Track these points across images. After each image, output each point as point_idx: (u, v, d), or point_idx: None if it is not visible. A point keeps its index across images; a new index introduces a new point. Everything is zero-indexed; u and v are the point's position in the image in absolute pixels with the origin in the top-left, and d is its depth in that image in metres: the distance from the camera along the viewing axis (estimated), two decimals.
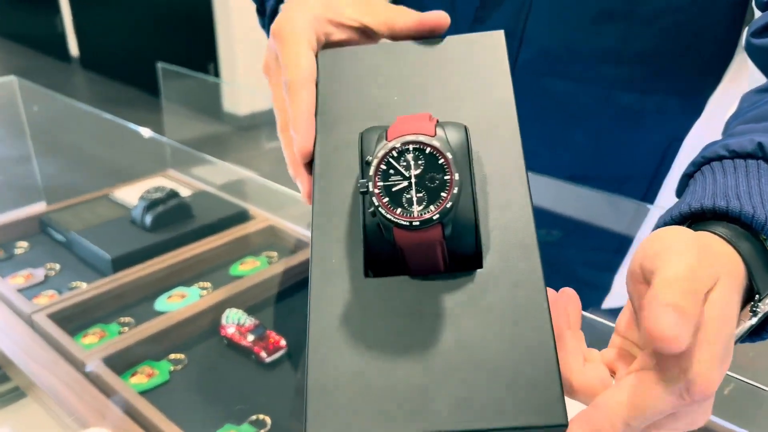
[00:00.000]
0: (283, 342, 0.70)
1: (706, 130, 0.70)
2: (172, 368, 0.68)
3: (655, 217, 0.78)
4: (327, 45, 0.47)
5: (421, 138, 0.36)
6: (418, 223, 0.35)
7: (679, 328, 0.28)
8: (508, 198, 0.40)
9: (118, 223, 0.93)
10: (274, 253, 0.89)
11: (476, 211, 0.38)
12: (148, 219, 0.90)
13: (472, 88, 0.44)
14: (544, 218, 0.80)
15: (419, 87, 0.44)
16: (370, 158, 0.37)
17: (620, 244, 0.79)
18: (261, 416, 0.61)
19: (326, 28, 0.47)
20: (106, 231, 0.91)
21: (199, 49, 3.51)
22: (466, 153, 0.38)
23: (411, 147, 0.36)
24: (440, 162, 0.36)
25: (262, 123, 2.96)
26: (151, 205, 0.91)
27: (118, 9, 3.96)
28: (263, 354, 0.68)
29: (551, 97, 0.73)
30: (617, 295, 0.77)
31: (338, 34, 0.47)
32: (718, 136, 0.55)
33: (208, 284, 0.82)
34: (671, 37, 0.65)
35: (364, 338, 0.35)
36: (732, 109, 0.53)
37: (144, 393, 0.64)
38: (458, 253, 0.38)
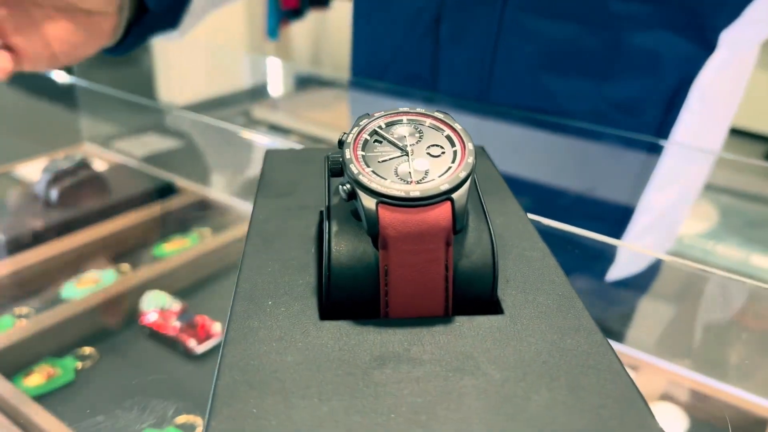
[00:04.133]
0: (216, 328, 0.58)
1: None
2: (78, 365, 0.55)
3: (658, 182, 0.72)
4: None
5: (418, 110, 0.28)
6: (418, 193, 0.24)
7: None
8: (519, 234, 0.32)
9: (17, 200, 0.79)
10: (207, 230, 0.77)
11: (494, 241, 0.27)
12: (54, 193, 0.76)
13: None
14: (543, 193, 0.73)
15: None
16: (346, 135, 0.27)
17: (623, 213, 0.72)
18: (190, 418, 0.50)
19: None
20: (2, 209, 0.77)
21: None
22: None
23: (405, 119, 0.27)
24: (445, 134, 0.27)
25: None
26: (58, 177, 0.78)
27: None
28: (192, 343, 0.56)
29: (550, 42, 0.65)
30: (622, 265, 0.69)
31: None
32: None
33: (126, 266, 0.70)
34: None
35: (317, 416, 0.22)
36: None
37: (40, 397, 0.51)
38: (468, 295, 0.27)
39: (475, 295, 0.27)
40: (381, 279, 0.26)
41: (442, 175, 0.25)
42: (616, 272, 0.69)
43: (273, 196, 0.38)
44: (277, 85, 2.00)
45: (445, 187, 0.24)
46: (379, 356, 0.24)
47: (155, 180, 0.87)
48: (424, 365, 0.24)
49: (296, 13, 3.33)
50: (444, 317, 0.26)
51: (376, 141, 0.27)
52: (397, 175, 0.25)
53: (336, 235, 0.27)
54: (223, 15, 3.25)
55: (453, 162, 0.26)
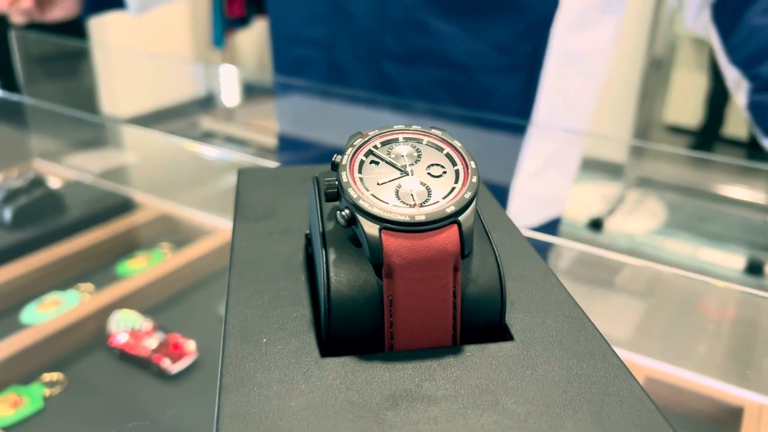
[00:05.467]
0: (191, 346, 0.57)
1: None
2: (46, 392, 0.53)
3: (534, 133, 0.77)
4: None
5: (414, 127, 0.26)
6: (423, 217, 0.23)
7: None
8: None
9: None
10: (170, 245, 0.75)
11: (499, 264, 0.26)
12: (7, 213, 0.73)
13: None
14: None
15: None
16: (340, 156, 0.25)
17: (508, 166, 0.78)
18: None
19: None
20: None
21: None
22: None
23: (401, 137, 0.26)
24: (445, 152, 0.25)
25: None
26: (11, 195, 0.74)
27: None
28: (167, 363, 0.54)
29: None
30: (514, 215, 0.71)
31: None
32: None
33: (90, 286, 0.67)
34: None
35: None
36: None
37: (9, 428, 0.49)
38: (476, 323, 0.25)
39: (483, 322, 0.25)
40: (385, 310, 0.24)
41: (447, 196, 0.24)
42: None
43: (252, 220, 0.36)
44: (226, 93, 1.97)
45: (451, 209, 0.23)
46: (390, 395, 0.23)
47: (113, 196, 0.84)
48: (440, 403, 0.22)
49: (242, 21, 3.29)
50: (453, 347, 0.25)
51: (372, 162, 0.25)
52: (399, 198, 0.24)
53: (334, 263, 0.25)
54: (167, 24, 3.18)
55: (456, 182, 0.25)
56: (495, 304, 0.25)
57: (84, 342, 0.59)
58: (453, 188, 0.24)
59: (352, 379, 0.23)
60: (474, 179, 0.24)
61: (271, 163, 0.84)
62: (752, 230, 2.34)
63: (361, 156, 0.25)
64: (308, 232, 0.33)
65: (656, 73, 2.71)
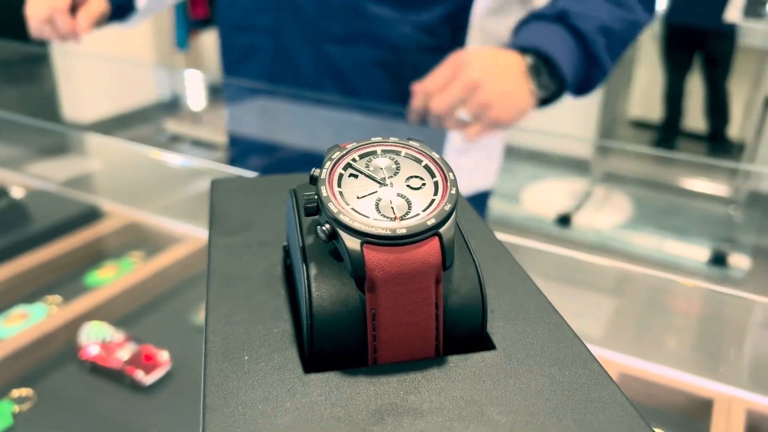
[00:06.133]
0: (164, 356, 0.56)
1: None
2: (15, 409, 0.51)
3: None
4: None
5: (392, 139, 0.26)
6: (404, 230, 0.23)
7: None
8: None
9: None
10: (139, 254, 0.73)
11: (480, 274, 0.26)
12: None
13: None
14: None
15: None
16: (318, 170, 0.25)
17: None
18: None
19: None
20: None
21: None
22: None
23: (379, 150, 0.26)
24: (423, 164, 0.25)
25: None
26: None
27: None
28: (140, 375, 0.54)
29: None
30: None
31: None
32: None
33: (57, 298, 0.66)
34: None
35: None
36: None
37: None
38: (458, 333, 0.25)
39: (465, 332, 0.26)
40: (368, 323, 0.24)
41: (426, 209, 0.24)
42: None
43: (228, 233, 0.36)
44: (192, 97, 1.95)
45: (431, 222, 0.23)
46: (376, 410, 0.23)
47: (78, 205, 0.82)
48: (426, 416, 0.22)
49: (206, 22, 3.26)
50: (436, 358, 0.25)
51: (351, 175, 0.25)
52: (379, 211, 0.24)
53: (316, 278, 0.24)
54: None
55: (435, 194, 0.25)
56: (477, 314, 0.25)
57: (53, 356, 0.58)
58: (432, 200, 0.24)
59: (337, 395, 0.23)
60: (453, 191, 0.24)
61: (237, 170, 0.83)
62: (714, 223, 2.40)
63: (339, 169, 0.25)
64: (286, 244, 0.33)
65: (619, 69, 2.76)
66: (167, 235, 0.77)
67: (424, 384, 0.24)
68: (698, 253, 2.09)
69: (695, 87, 2.85)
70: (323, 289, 0.24)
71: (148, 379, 0.54)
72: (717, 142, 2.88)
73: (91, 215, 0.80)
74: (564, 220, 2.26)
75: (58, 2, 0.80)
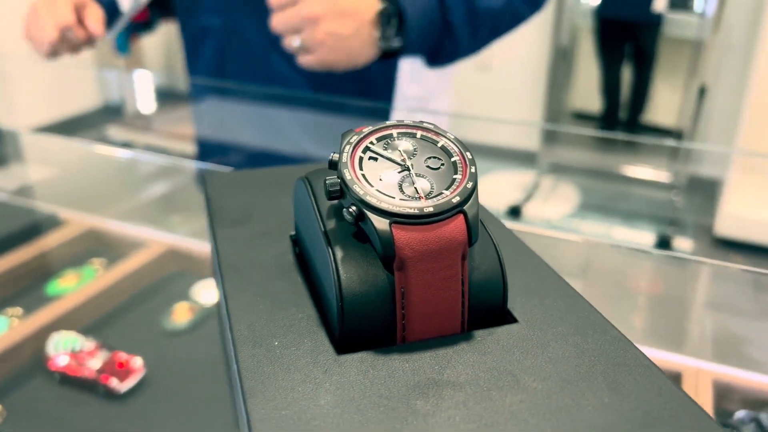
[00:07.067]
0: (137, 363, 0.55)
1: None
2: None
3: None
4: None
5: (406, 122, 0.26)
6: (432, 209, 0.23)
7: None
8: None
9: None
10: (102, 260, 0.72)
11: (498, 250, 0.27)
12: None
13: None
14: None
15: None
16: (337, 155, 0.25)
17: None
18: None
19: None
20: None
21: None
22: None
23: (395, 132, 0.26)
24: (440, 145, 0.26)
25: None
26: None
27: None
28: (114, 383, 0.52)
29: None
30: None
31: None
32: None
33: (18, 310, 0.63)
34: None
35: None
36: None
37: None
38: (481, 308, 0.26)
39: (488, 307, 0.26)
40: (398, 302, 0.24)
41: (449, 187, 0.25)
42: None
43: (230, 225, 0.36)
44: (140, 100, 1.90)
45: (456, 200, 0.24)
46: (415, 385, 0.23)
47: (32, 213, 0.80)
48: (464, 388, 0.23)
49: (146, 25, 3.18)
50: (462, 334, 0.26)
51: (371, 158, 0.25)
52: (403, 192, 0.24)
53: (342, 261, 0.25)
54: None
55: (456, 173, 0.25)
56: (498, 289, 0.26)
57: (20, 369, 0.56)
58: (454, 179, 0.25)
59: (374, 373, 0.24)
60: (473, 169, 0.25)
61: (193, 166, 0.82)
62: (658, 208, 2.49)
63: (359, 153, 0.25)
64: (292, 233, 0.33)
65: (562, 61, 2.82)
66: (128, 239, 0.75)
67: (456, 358, 0.24)
68: (644, 237, 2.16)
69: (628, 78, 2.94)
70: (351, 271, 0.25)
71: (123, 386, 0.53)
72: (645, 131, 2.98)
73: (47, 223, 0.77)
74: (514, 212, 2.31)
75: (65, 17, 0.79)
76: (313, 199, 0.28)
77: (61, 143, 0.99)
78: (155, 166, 0.99)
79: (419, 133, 0.27)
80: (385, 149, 0.26)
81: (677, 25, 2.72)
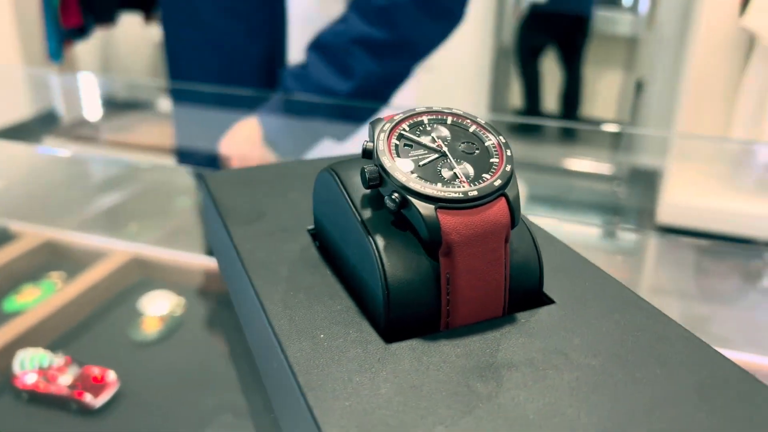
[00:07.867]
0: (111, 376, 0.53)
1: None
2: None
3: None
4: None
5: (435, 108, 0.27)
6: (476, 193, 0.23)
7: None
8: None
9: None
10: (60, 274, 0.69)
11: (532, 233, 0.27)
12: None
13: None
14: None
15: None
16: (371, 143, 0.25)
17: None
18: None
19: None
20: None
21: None
22: None
23: (426, 119, 0.26)
24: (472, 130, 0.26)
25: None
26: None
27: None
28: (89, 398, 0.50)
29: None
30: None
31: None
32: None
33: None
34: None
35: None
36: None
37: None
38: (520, 290, 0.26)
39: (527, 289, 0.27)
40: (442, 288, 0.24)
41: (489, 171, 0.25)
42: None
43: (244, 223, 0.35)
44: (85, 106, 1.85)
45: (498, 182, 0.24)
46: (471, 368, 0.23)
47: None
48: (520, 368, 0.23)
49: (80, 31, 3.08)
50: (505, 317, 0.26)
51: (406, 145, 0.25)
52: (442, 177, 0.24)
53: (385, 249, 0.25)
54: None
55: (493, 157, 0.25)
56: (535, 271, 0.27)
57: None
58: (492, 163, 0.25)
59: (428, 359, 0.23)
60: (509, 152, 0.26)
61: (149, 171, 0.80)
62: (601, 199, 2.56)
63: (393, 140, 0.25)
64: (310, 228, 0.32)
65: (504, 60, 2.87)
66: (87, 251, 0.73)
67: (505, 341, 0.25)
68: (590, 230, 2.22)
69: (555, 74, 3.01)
70: (394, 259, 0.25)
71: (97, 401, 0.51)
72: (583, 122, 3.05)
73: (0, 236, 0.74)
74: None
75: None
76: (343, 190, 0.28)
77: (2, 148, 0.95)
78: (107, 173, 0.96)
79: (450, 119, 0.27)
80: (419, 135, 0.26)
81: (611, 21, 2.81)
